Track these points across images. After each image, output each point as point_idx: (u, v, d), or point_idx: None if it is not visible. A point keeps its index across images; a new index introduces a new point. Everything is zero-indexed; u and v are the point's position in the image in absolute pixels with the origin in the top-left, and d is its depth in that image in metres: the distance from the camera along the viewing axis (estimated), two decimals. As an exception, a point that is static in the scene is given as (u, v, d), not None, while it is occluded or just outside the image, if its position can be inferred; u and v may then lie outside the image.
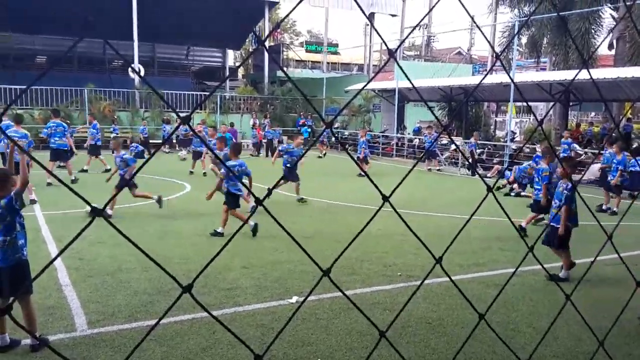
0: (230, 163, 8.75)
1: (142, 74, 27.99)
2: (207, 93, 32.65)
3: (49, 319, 5.17)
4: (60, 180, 1.03)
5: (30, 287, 4.67)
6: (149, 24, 29.14)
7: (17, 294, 4.49)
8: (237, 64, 49.68)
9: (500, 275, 6.95)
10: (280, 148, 12.77)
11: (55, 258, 1.08)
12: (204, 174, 15.72)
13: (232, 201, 8.65)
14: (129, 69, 28.90)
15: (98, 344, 4.72)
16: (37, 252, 7.14)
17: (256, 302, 5.80)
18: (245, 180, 8.80)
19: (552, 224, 7.06)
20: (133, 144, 23.12)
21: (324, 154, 24.15)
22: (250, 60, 42.14)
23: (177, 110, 27.94)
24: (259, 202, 1.14)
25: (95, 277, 6.46)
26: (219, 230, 8.67)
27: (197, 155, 16.25)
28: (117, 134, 23.77)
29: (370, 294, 6.15)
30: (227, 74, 42.67)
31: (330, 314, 5.48)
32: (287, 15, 1.41)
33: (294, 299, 5.86)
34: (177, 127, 1.18)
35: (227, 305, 5.66)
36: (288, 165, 11.79)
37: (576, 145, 18.37)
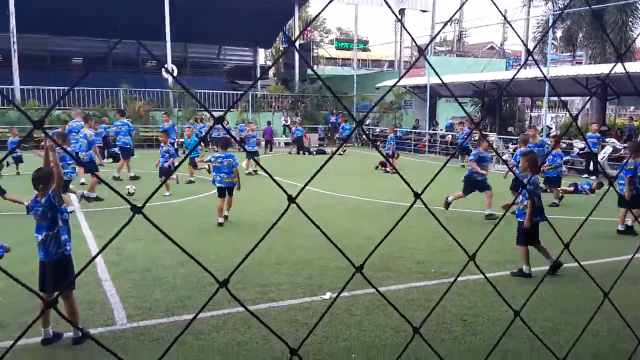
0: (216, 155, 9.79)
1: (175, 74, 28.44)
2: (239, 92, 32.96)
3: (89, 313, 5.33)
4: (99, 178, 1.08)
5: (73, 282, 4.83)
6: (181, 25, 29.60)
7: (60, 289, 4.65)
8: (268, 62, 49.97)
9: (536, 272, 6.84)
10: (471, 157, 10.86)
11: (96, 255, 1.14)
12: (249, 173, 15.93)
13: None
14: (163, 70, 29.39)
15: (137, 337, 4.86)
16: (77, 247, 7.35)
17: (290, 298, 5.87)
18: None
19: (518, 219, 6.89)
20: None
21: (344, 151, 24.25)
22: (280, 59, 42.32)
23: (210, 109, 28.28)
24: (291, 199, 1.17)
25: (133, 273, 6.63)
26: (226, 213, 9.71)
27: (250, 155, 16.07)
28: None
29: (404, 291, 6.14)
30: (259, 72, 42.97)
31: (364, 310, 5.50)
32: (318, 15, 1.43)
33: (327, 295, 5.90)
34: (211, 128, 1.22)
35: (261, 301, 5.74)
36: (475, 175, 10.44)
37: (615, 141, 17.87)
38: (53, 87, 26.18)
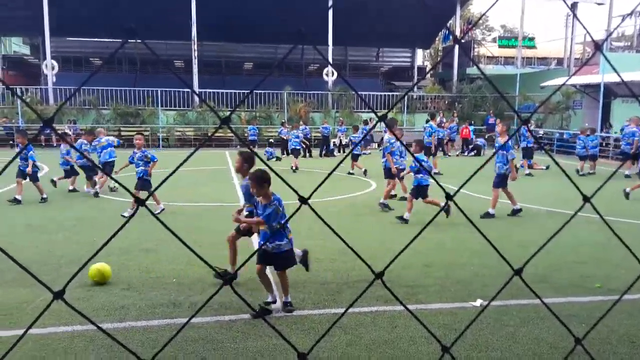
0: (419, 157, 9.67)
1: (335, 76, 29.41)
2: (394, 93, 33.08)
3: (249, 300, 5.74)
4: (274, 172, 1.19)
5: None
6: (342, 28, 30.49)
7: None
8: (426, 62, 49.42)
9: None
10: None
11: (258, 249, 1.25)
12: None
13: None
14: (324, 73, 30.52)
15: (290, 326, 5.14)
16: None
17: (438, 302, 5.77)
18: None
19: None
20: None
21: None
22: (439, 59, 41.61)
23: (367, 111, 28.84)
24: (449, 197, 1.17)
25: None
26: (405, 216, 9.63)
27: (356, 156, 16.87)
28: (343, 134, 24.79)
29: (563, 305, 5.71)
30: (416, 73, 42.67)
31: (517, 321, 5.23)
32: (484, 14, 1.42)
33: (478, 302, 5.70)
34: (374, 126, 1.27)
35: (408, 303, 5.72)
36: None
37: None
38: (227, 91, 28.60)
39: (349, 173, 15.85)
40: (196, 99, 27.81)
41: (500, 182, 10.09)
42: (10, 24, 33.91)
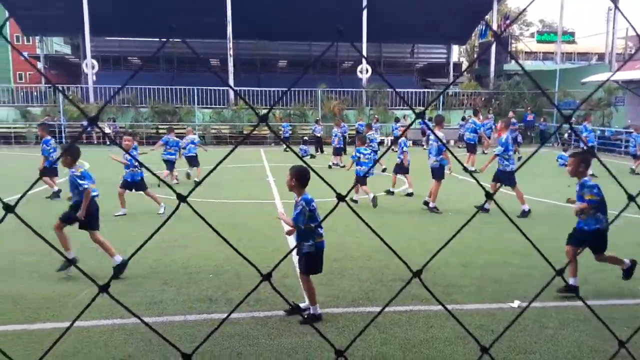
0: (360, 149, 10.99)
1: (369, 73, 29.28)
2: (430, 90, 32.73)
3: (286, 296, 5.78)
4: (310, 167, 1.19)
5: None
6: (377, 25, 30.30)
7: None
8: (462, 58, 48.72)
9: None
10: None
11: (295, 247, 1.25)
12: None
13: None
14: (358, 70, 30.41)
15: (324, 323, 5.15)
16: (277, 239, 8.08)
17: (474, 302, 5.70)
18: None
19: None
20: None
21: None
22: (475, 55, 40.96)
23: (401, 108, 28.62)
24: (489, 196, 1.16)
25: (324, 262, 7.00)
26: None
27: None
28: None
29: (605, 307, 5.55)
30: (452, 69, 42.08)
31: (556, 323, 5.11)
32: (525, 9, 1.38)
33: (516, 303, 5.59)
34: (412, 123, 1.25)
35: (444, 302, 5.65)
36: None
37: None
38: (262, 88, 28.81)
39: (383, 170, 15.79)
40: (231, 97, 28.10)
41: (509, 179, 9.89)
42: (51, 25, 34.92)
